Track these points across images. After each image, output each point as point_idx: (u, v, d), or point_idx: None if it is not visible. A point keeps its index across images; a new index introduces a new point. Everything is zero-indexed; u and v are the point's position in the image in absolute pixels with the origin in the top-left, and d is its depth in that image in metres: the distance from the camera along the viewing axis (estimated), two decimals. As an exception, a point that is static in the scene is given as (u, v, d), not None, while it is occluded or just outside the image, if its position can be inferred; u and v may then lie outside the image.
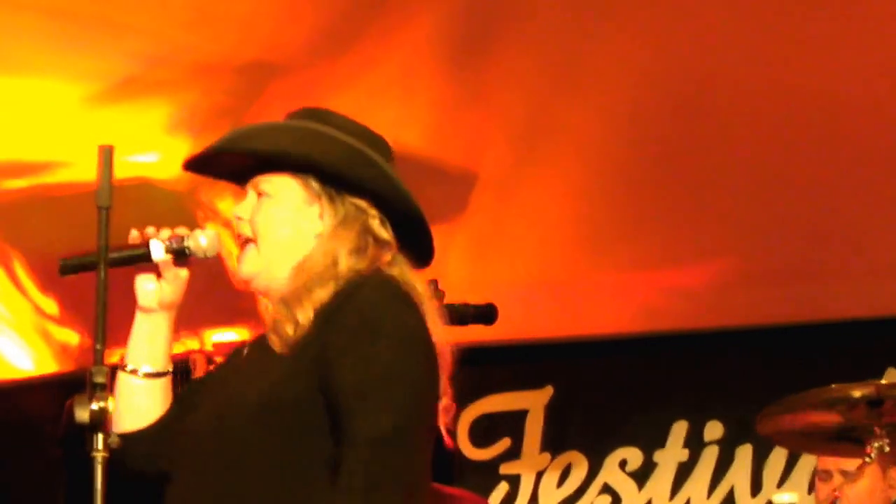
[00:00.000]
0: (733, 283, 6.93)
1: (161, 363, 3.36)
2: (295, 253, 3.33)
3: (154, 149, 6.61)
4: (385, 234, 3.34)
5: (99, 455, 2.97)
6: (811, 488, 5.67)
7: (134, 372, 3.34)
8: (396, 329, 3.19)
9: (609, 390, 7.02)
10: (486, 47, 6.30)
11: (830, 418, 4.75)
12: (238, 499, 3.21)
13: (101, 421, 2.98)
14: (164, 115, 6.60)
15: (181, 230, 3.34)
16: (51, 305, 7.36)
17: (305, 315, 3.24)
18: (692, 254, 6.92)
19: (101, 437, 2.97)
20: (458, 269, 6.40)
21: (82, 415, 2.98)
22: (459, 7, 6.25)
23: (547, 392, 7.05)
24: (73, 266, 3.28)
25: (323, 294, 3.24)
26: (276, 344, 3.24)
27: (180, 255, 3.31)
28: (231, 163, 3.42)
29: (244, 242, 3.35)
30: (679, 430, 7.12)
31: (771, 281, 6.92)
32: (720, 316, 7.02)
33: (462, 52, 6.31)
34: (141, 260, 3.29)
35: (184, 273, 3.34)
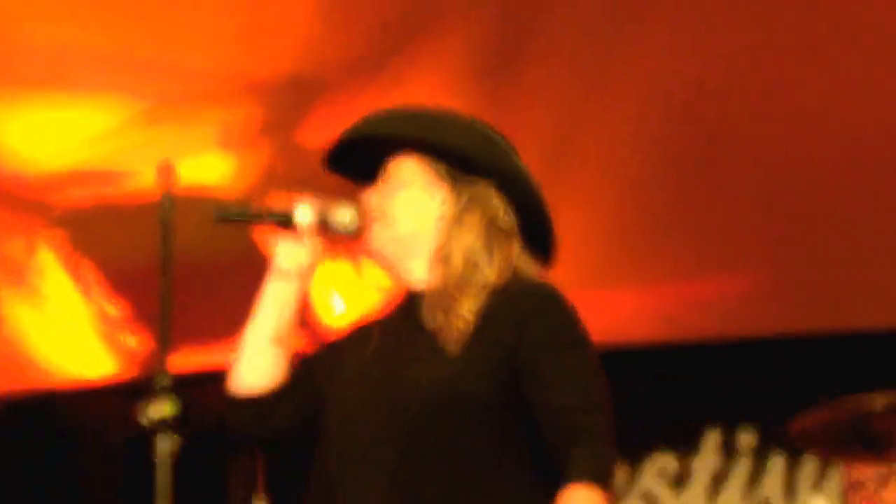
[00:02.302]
0: (760, 295, 6.90)
1: (281, 329, 3.31)
2: (420, 233, 3.33)
3: (208, 161, 6.66)
4: (509, 222, 3.33)
5: (162, 458, 2.98)
6: (844, 498, 5.66)
7: (259, 334, 3.32)
8: (585, 337, 3.20)
9: (640, 399, 6.86)
10: (516, 65, 6.33)
11: (858, 426, 4.76)
12: (428, 486, 3.19)
13: (164, 425, 3.00)
14: (216, 129, 6.66)
15: (330, 201, 3.32)
16: (117, 311, 7.40)
17: (470, 313, 3.22)
18: (719, 265, 6.92)
19: (165, 440, 2.99)
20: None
21: (148, 419, 3.02)
22: (489, 27, 6.27)
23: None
24: (227, 216, 3.33)
25: (481, 295, 3.24)
26: (446, 338, 3.20)
27: (323, 224, 3.28)
28: (359, 155, 3.42)
29: (372, 221, 3.32)
30: (713, 438, 7.16)
31: (797, 292, 6.89)
32: (746, 326, 6.98)
33: (492, 71, 6.32)
34: (285, 220, 3.28)
35: (320, 244, 3.32)
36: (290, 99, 6.45)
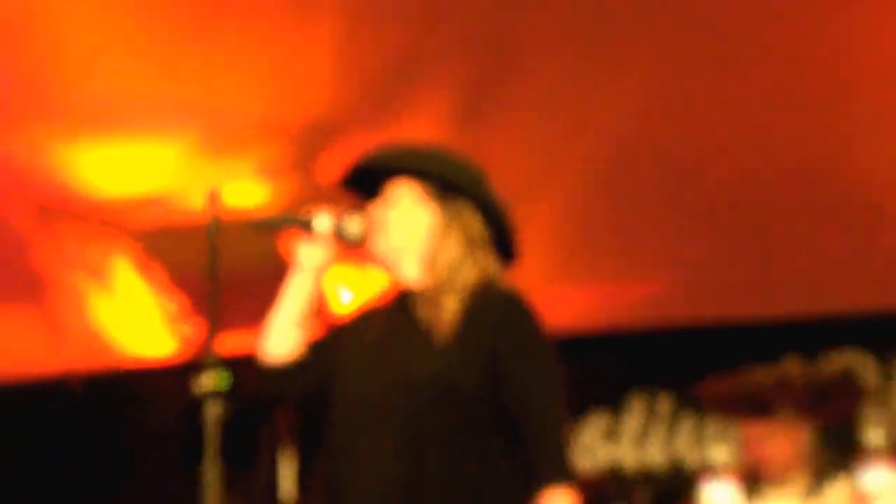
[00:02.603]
0: (676, 291, 6.87)
1: (301, 314, 3.34)
2: (411, 242, 3.33)
3: (247, 188, 6.56)
4: (483, 234, 3.34)
5: (211, 421, 3.11)
6: (739, 449, 5.60)
7: (285, 317, 3.34)
8: (546, 342, 3.23)
9: (584, 372, 6.98)
10: (492, 109, 6.24)
11: (750, 393, 4.78)
12: (430, 462, 3.17)
13: (212, 395, 3.13)
14: (254, 163, 6.58)
15: (342, 213, 3.38)
16: (176, 305, 7.25)
17: (454, 309, 3.22)
18: (648, 267, 6.84)
19: (213, 406, 3.10)
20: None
21: (200, 390, 3.19)
22: (470, 79, 6.20)
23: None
24: (264, 223, 3.45)
25: (463, 295, 3.24)
26: (436, 330, 3.21)
27: (337, 231, 3.34)
28: (367, 177, 3.44)
29: (374, 232, 3.37)
30: (638, 402, 7.10)
31: (705, 289, 6.83)
32: (665, 315, 6.93)
33: (472, 113, 6.21)
34: (307, 226, 3.34)
35: (334, 248, 3.38)
36: (310, 138, 6.35)
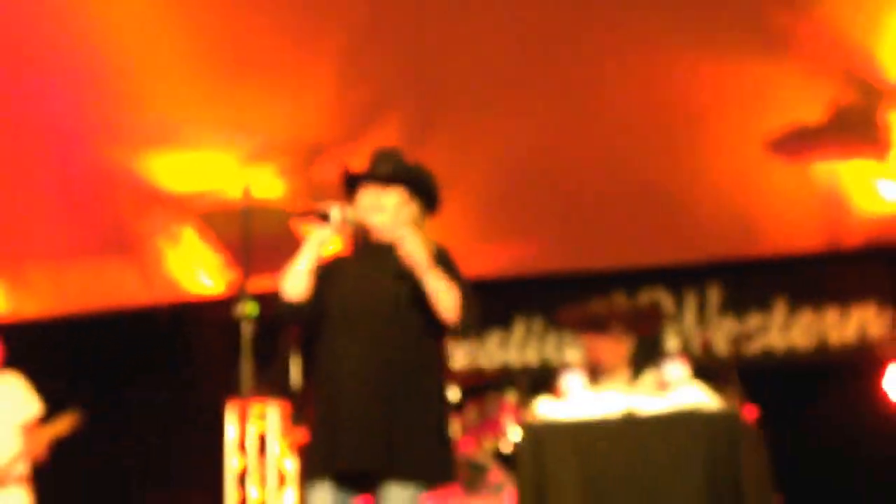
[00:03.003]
0: (548, 249, 6.68)
1: (311, 267, 3.18)
2: (396, 223, 3.23)
3: (270, 184, 6.46)
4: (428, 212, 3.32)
5: (245, 336, 3.30)
6: (585, 352, 5.54)
7: (300, 269, 3.16)
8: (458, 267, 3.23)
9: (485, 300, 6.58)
10: (436, 131, 6.13)
11: (593, 317, 4.68)
12: (403, 350, 3.13)
13: (247, 318, 3.29)
14: (275, 168, 6.49)
15: (347, 206, 3.23)
16: (224, 259, 7.14)
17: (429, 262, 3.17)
18: (524, 238, 6.73)
19: (247, 327, 3.26)
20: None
21: (238, 315, 3.26)
22: (418, 112, 6.10)
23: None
24: (295, 213, 3.28)
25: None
26: (414, 263, 3.10)
27: (344, 218, 3.21)
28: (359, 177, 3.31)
29: (377, 213, 3.25)
30: (520, 322, 6.96)
31: (571, 249, 6.67)
32: (540, 266, 6.76)
33: (422, 135, 6.06)
34: (323, 216, 3.19)
35: (338, 230, 3.21)
36: (313, 150, 6.27)
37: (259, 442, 6.24)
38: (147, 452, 7.09)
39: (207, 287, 7.47)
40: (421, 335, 3.20)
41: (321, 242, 3.26)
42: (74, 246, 7.08)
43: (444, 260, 3.23)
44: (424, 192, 3.32)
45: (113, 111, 6.34)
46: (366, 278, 3.26)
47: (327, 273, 3.30)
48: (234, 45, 5.99)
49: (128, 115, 6.36)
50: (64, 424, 4.67)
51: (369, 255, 3.31)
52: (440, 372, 3.25)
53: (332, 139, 6.32)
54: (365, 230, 3.31)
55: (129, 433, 7.12)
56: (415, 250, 3.15)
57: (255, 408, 6.25)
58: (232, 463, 6.28)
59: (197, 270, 7.43)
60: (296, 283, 3.23)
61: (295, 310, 3.24)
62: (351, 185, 3.34)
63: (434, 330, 3.21)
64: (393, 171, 3.29)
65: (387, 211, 3.27)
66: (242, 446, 6.28)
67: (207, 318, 7.32)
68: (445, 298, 3.14)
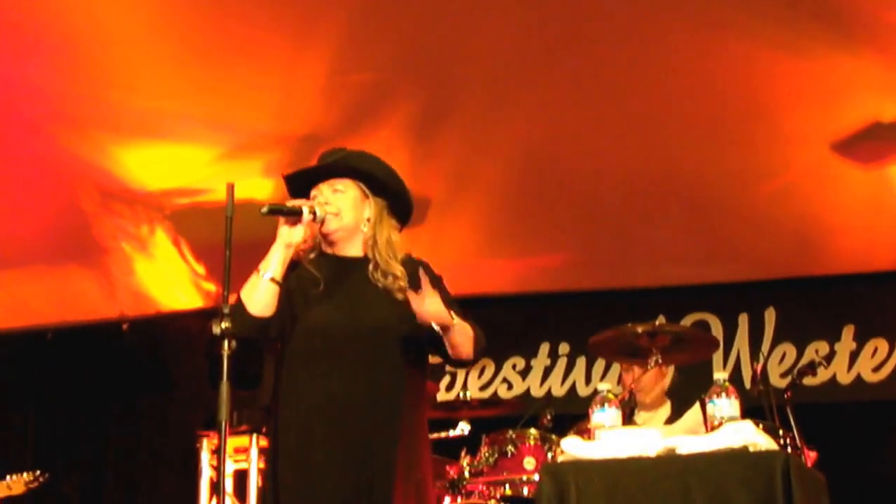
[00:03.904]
0: (573, 265, 6.89)
1: (279, 276, 3.23)
2: (356, 224, 3.33)
3: (255, 182, 6.54)
4: (398, 222, 3.41)
5: (225, 353, 3.05)
6: (619, 381, 5.62)
7: (267, 278, 3.22)
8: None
9: (505, 324, 6.83)
10: (431, 130, 6.26)
11: (629, 342, 4.62)
12: (382, 385, 3.21)
13: (225, 334, 3.06)
14: (260, 165, 6.57)
15: (314, 203, 3.30)
16: (200, 269, 7.36)
17: (402, 272, 3.27)
18: (550, 248, 6.84)
19: (226, 342, 3.05)
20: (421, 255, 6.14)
21: (215, 329, 3.08)
22: (417, 108, 6.20)
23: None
24: (271, 211, 3.27)
25: (398, 263, 3.31)
26: (391, 286, 3.23)
27: (314, 217, 3.28)
28: (310, 176, 3.38)
29: (332, 214, 3.32)
30: (544, 348, 7.10)
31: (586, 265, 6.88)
32: (562, 283, 6.94)
33: (419, 131, 6.23)
34: (295, 214, 3.25)
35: (308, 230, 3.28)
36: (300, 147, 6.30)
37: (236, 482, 5.99)
38: (104, 494, 7.12)
39: (180, 301, 7.48)
40: (411, 367, 3.24)
41: (289, 245, 3.25)
42: (28, 250, 7.06)
43: (438, 285, 3.23)
44: (382, 185, 3.33)
45: (78, 97, 6.23)
46: (345, 299, 3.27)
47: (294, 286, 3.29)
48: (216, 24, 5.92)
49: (95, 101, 6.26)
50: (19, 484, 4.59)
51: (341, 271, 3.32)
52: (424, 407, 3.31)
53: (324, 134, 6.24)
54: (323, 236, 3.33)
55: (86, 469, 7.19)
56: (438, 313, 3.16)
57: (233, 441, 5.99)
58: (206, 509, 6.01)
59: (171, 280, 7.44)
60: (261, 295, 3.20)
61: (260, 325, 3.21)
62: (297, 188, 3.37)
63: (424, 359, 3.27)
64: (341, 159, 3.32)
65: (341, 209, 3.30)
66: (218, 488, 6.02)
67: (180, 332, 7.33)
68: (466, 342, 3.21)
